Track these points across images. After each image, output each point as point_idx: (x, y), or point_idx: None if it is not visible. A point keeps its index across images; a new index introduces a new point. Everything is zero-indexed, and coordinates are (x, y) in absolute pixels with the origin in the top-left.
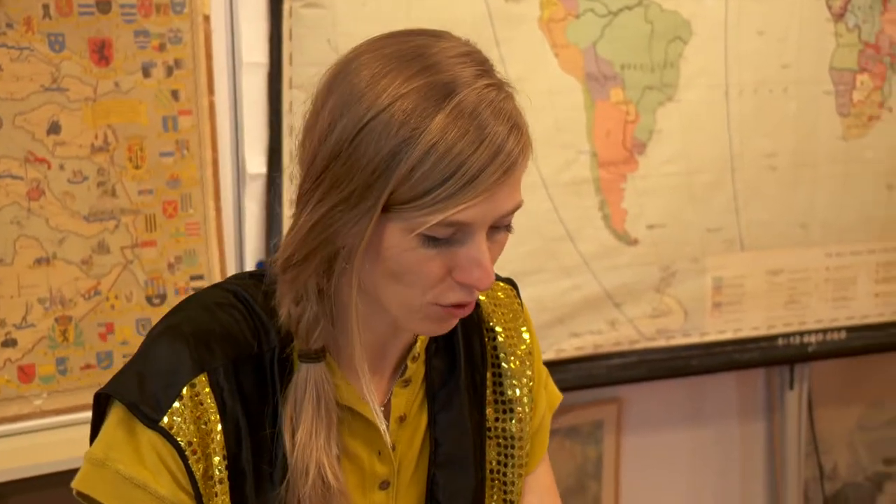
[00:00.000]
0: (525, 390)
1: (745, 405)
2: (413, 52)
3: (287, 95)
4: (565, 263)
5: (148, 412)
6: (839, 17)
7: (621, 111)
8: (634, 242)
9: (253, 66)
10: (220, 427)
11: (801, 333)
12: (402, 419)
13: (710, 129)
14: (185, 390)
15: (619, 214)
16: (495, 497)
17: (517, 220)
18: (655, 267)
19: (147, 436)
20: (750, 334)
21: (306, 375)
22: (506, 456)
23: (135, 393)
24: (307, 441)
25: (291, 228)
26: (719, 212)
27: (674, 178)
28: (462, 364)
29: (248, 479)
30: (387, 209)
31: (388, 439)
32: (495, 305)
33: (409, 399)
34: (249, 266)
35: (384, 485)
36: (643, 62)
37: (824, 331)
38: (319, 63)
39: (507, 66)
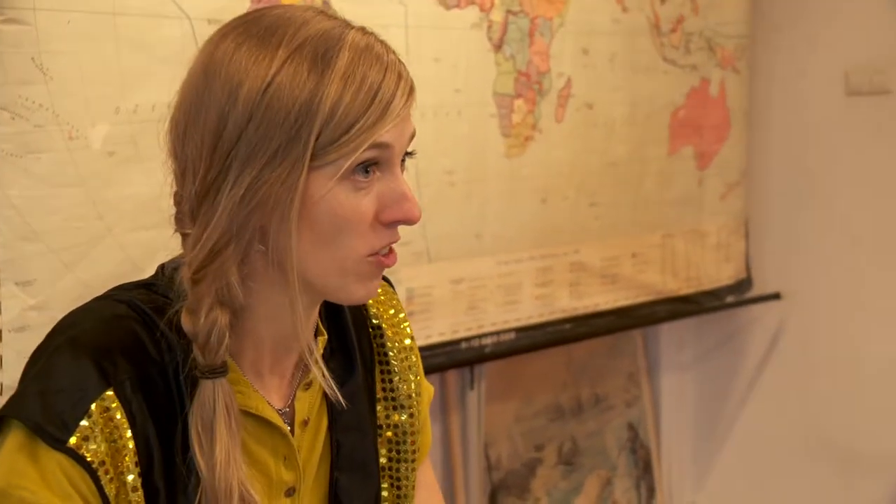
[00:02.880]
0: (413, 385)
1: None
2: (272, 21)
3: None
4: None
5: (54, 433)
6: (497, 47)
7: None
8: None
9: None
10: (132, 444)
11: (480, 336)
12: (305, 423)
13: None
14: (93, 406)
15: None
16: (387, 493)
17: None
18: None
19: (55, 458)
20: (438, 340)
21: (213, 393)
22: (397, 452)
23: (38, 413)
24: (226, 461)
25: (204, 225)
26: (408, 227)
27: None
28: (358, 364)
29: (162, 496)
30: (313, 157)
31: (295, 445)
32: (378, 303)
33: (311, 402)
34: None
35: (290, 491)
36: None
37: (497, 333)
38: (26, 81)
39: None
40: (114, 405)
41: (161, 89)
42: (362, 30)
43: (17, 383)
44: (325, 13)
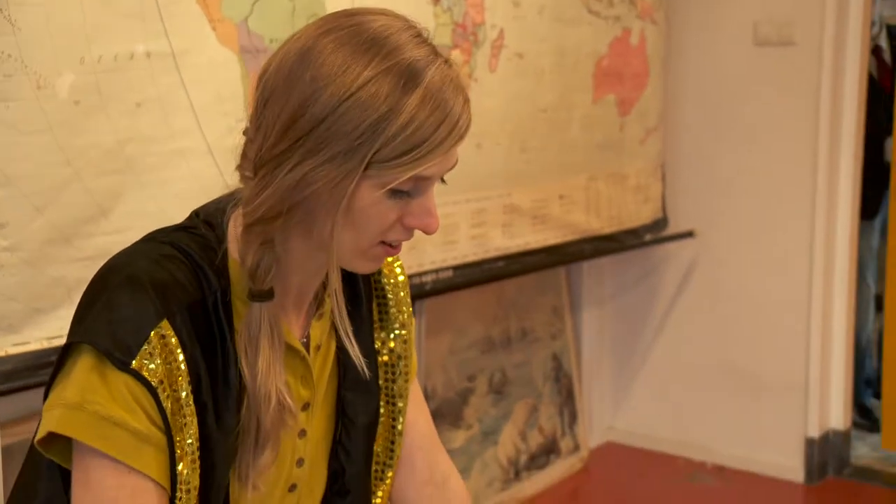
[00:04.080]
0: (405, 316)
1: None
2: (372, 35)
3: None
4: None
5: (120, 356)
6: (437, 1)
7: None
8: None
9: None
10: (184, 366)
11: (420, 274)
12: (318, 348)
13: None
14: (151, 334)
15: None
16: (383, 409)
17: (184, 185)
18: None
19: (121, 378)
20: None
21: (259, 313)
22: (392, 373)
23: (106, 339)
24: (266, 370)
25: (262, 187)
26: None
27: None
28: (362, 298)
29: (209, 410)
30: (366, 168)
31: (313, 367)
32: None
33: (322, 329)
34: None
35: (305, 406)
36: (287, 37)
37: (436, 271)
38: None
39: (171, 40)
40: (168, 333)
41: (123, 41)
42: (446, 63)
43: (76, 314)
44: (421, 36)
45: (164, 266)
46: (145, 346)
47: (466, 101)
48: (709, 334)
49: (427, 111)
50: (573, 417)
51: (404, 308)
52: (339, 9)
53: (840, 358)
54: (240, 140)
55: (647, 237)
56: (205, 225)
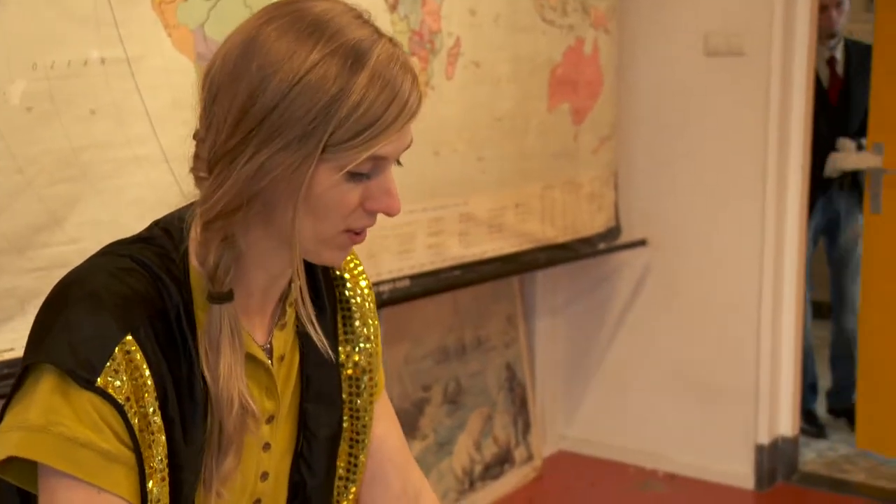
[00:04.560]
0: (372, 328)
1: None
2: (314, 19)
3: None
4: None
5: (84, 374)
6: (393, 7)
7: None
8: None
9: None
10: (150, 382)
11: (377, 284)
12: (281, 358)
13: None
14: (116, 350)
15: None
16: (347, 424)
17: (140, 193)
18: None
19: (86, 397)
20: None
21: (220, 314)
22: (357, 388)
23: (70, 359)
24: (228, 374)
25: (219, 184)
26: None
27: None
28: (327, 310)
29: (177, 425)
30: (322, 151)
31: (277, 378)
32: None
33: (286, 339)
34: None
35: (270, 419)
36: None
37: (393, 280)
38: None
39: (127, 46)
40: (133, 348)
41: (77, 47)
42: (391, 42)
43: (33, 333)
44: (362, 17)
45: (123, 280)
46: (109, 363)
47: (415, 78)
48: (660, 342)
49: (377, 90)
50: (527, 427)
51: (370, 321)
52: None
53: (789, 365)
54: (192, 144)
55: (601, 246)
56: (163, 234)
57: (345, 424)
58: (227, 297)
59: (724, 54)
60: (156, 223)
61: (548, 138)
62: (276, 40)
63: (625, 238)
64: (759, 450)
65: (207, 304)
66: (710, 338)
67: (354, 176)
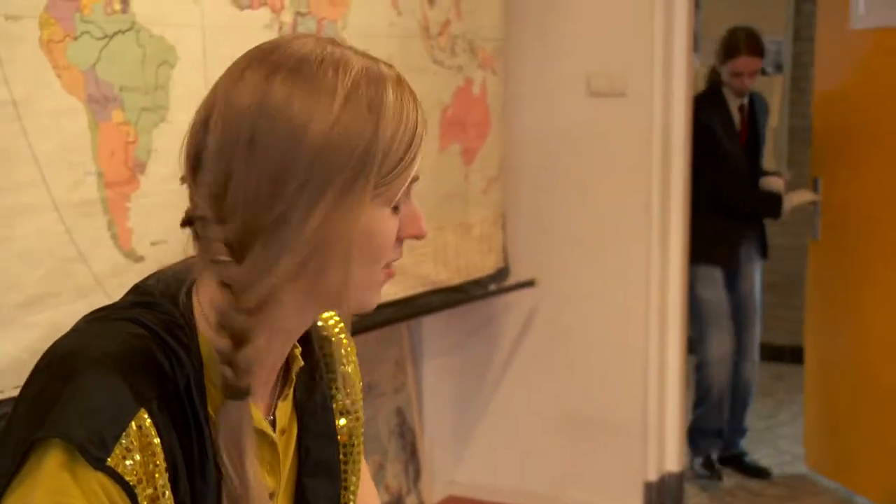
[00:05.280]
0: (358, 396)
1: None
2: (315, 57)
3: None
4: (80, 284)
5: (95, 452)
6: None
7: (123, 132)
8: (140, 259)
9: None
10: (161, 460)
11: None
12: (283, 432)
13: None
14: (132, 426)
15: (125, 233)
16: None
17: (28, 244)
18: None
19: (95, 477)
20: None
21: (240, 413)
22: (349, 454)
23: (79, 433)
24: (256, 474)
25: (265, 260)
26: None
27: (171, 195)
28: (323, 374)
29: None
30: (375, 186)
31: (281, 453)
32: (322, 319)
33: (286, 411)
34: None
35: (271, 496)
36: (138, 84)
37: None
38: None
39: (12, 87)
40: (147, 423)
41: None
42: (377, 60)
43: (34, 406)
44: (338, 43)
45: (132, 346)
46: (122, 440)
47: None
48: (550, 382)
49: (404, 110)
50: (417, 473)
51: (356, 382)
52: (194, 58)
53: (674, 402)
54: (186, 234)
55: (492, 287)
56: (164, 298)
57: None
58: (246, 392)
59: (607, 95)
60: (143, 288)
61: (439, 179)
62: (293, 92)
63: (513, 279)
64: (648, 487)
65: (219, 377)
66: (599, 376)
67: (396, 208)
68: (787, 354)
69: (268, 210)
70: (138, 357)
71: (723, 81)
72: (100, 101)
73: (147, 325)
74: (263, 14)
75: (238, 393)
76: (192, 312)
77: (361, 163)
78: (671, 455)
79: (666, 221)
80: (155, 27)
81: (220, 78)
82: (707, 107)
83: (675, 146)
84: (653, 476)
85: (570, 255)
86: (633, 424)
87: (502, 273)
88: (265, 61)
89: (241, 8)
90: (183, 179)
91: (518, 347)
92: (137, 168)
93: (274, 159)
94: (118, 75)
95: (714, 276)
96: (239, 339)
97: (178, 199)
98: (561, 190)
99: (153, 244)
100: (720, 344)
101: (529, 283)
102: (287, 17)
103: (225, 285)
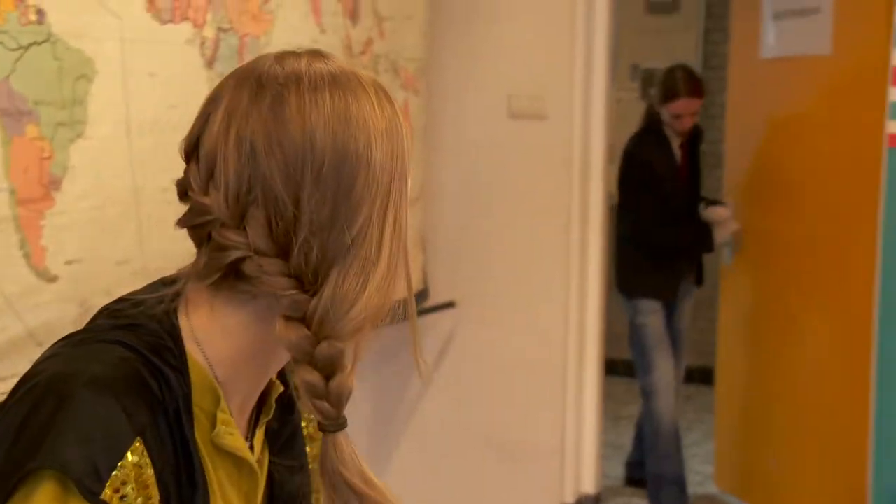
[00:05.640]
0: (313, 427)
1: None
2: (333, 70)
3: None
4: None
5: (89, 485)
6: (210, 63)
7: (37, 147)
8: (54, 279)
9: None
10: (156, 491)
11: None
12: (259, 461)
13: (117, 164)
14: (127, 457)
15: (38, 252)
16: None
17: None
18: (74, 303)
19: None
20: None
21: (342, 452)
22: (306, 485)
23: (78, 464)
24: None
25: (347, 289)
26: (127, 245)
27: (88, 213)
28: (296, 405)
29: None
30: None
31: (261, 483)
32: None
33: (260, 439)
34: None
35: None
36: (55, 98)
37: None
38: None
39: None
40: (142, 453)
41: None
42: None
43: (25, 437)
44: (322, 52)
45: (124, 371)
46: (117, 472)
47: None
48: (468, 404)
49: (398, 110)
50: None
51: (310, 416)
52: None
53: (591, 423)
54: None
55: None
56: (153, 321)
57: None
58: (344, 423)
59: (528, 117)
60: (110, 310)
61: None
62: (350, 102)
63: (433, 300)
64: None
65: (207, 402)
66: (517, 398)
67: None
68: (696, 375)
69: (344, 232)
70: (130, 381)
71: (663, 121)
72: (13, 115)
73: (133, 347)
74: (185, 28)
75: (338, 425)
76: (179, 334)
77: (402, 160)
78: (587, 477)
79: (585, 243)
80: (72, 39)
81: (232, 100)
82: (650, 146)
83: (595, 168)
84: (569, 498)
85: (489, 277)
86: (550, 446)
87: (421, 295)
88: (296, 82)
89: (163, 22)
90: (183, 193)
91: (437, 369)
92: (52, 185)
93: (347, 175)
94: (33, 88)
95: (654, 308)
96: (331, 370)
97: (93, 217)
98: (481, 211)
99: (68, 263)
100: (667, 370)
101: (449, 305)
102: (209, 33)
103: (292, 318)
